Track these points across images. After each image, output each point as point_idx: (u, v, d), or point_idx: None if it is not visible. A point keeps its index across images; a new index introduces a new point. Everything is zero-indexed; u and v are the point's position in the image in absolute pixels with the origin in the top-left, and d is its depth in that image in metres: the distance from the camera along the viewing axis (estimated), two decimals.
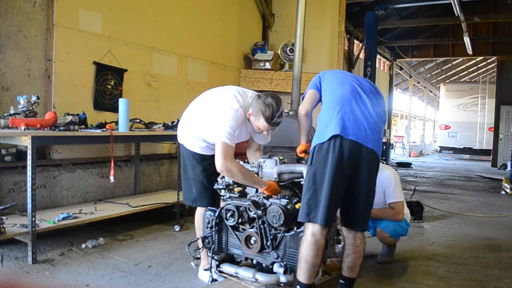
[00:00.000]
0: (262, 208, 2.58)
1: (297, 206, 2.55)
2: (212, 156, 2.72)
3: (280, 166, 2.72)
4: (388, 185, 3.36)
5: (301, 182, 2.65)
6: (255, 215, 2.60)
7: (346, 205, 2.38)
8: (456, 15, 10.01)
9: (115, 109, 4.29)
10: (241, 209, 2.67)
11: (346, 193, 2.33)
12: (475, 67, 20.83)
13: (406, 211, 3.62)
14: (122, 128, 3.89)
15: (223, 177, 2.83)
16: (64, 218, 3.53)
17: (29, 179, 3.19)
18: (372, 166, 2.37)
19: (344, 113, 2.32)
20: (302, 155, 2.84)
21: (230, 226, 2.72)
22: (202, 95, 2.97)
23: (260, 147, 3.08)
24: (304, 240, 2.30)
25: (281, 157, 2.81)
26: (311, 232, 2.28)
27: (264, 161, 2.77)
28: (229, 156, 2.56)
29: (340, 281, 2.51)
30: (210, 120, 2.72)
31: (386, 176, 3.37)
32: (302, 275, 2.30)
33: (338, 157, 2.24)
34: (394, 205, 3.35)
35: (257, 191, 2.84)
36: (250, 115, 2.69)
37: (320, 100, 2.58)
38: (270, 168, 2.74)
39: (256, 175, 2.76)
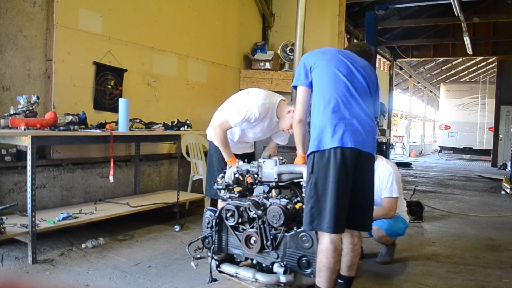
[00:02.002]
0: (262, 208, 2.58)
1: (297, 206, 2.55)
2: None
3: (280, 166, 2.72)
4: (384, 179, 3.29)
5: (301, 182, 2.65)
6: (255, 215, 2.60)
7: (352, 208, 2.36)
8: (456, 15, 10.00)
9: (115, 109, 4.29)
10: (241, 209, 2.67)
11: (352, 197, 2.34)
12: (475, 67, 20.82)
13: (404, 211, 3.60)
14: (122, 128, 3.89)
15: (222, 177, 2.85)
16: (64, 218, 3.53)
17: (29, 179, 3.19)
18: (370, 168, 2.43)
19: (340, 119, 2.30)
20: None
21: (230, 226, 2.72)
22: (232, 96, 3.32)
23: (276, 148, 3.43)
24: (323, 249, 2.28)
25: (280, 157, 2.81)
26: (330, 240, 2.26)
27: (264, 161, 2.77)
28: (223, 127, 3.10)
29: (339, 281, 2.50)
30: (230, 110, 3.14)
31: (384, 169, 3.32)
32: (324, 283, 2.29)
33: (340, 165, 2.24)
34: (386, 200, 3.27)
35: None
36: (291, 111, 2.98)
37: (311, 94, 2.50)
38: (270, 169, 2.74)
39: (256, 174, 2.77)
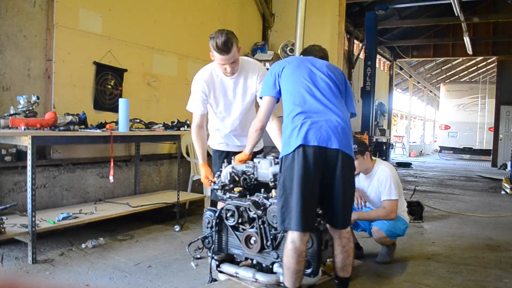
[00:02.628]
0: (262, 208, 2.58)
1: None
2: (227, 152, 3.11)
3: (275, 166, 2.69)
4: (382, 182, 3.31)
5: (270, 183, 2.66)
6: (255, 215, 2.60)
7: (325, 205, 2.40)
8: (456, 15, 10.02)
9: (115, 109, 4.29)
10: (241, 209, 2.67)
11: (323, 194, 2.34)
12: (475, 67, 20.84)
13: (405, 211, 3.60)
14: (122, 128, 3.89)
15: (219, 175, 2.82)
16: (64, 218, 3.53)
17: (29, 179, 3.19)
18: (343, 164, 2.33)
19: (306, 119, 2.32)
20: (237, 162, 2.78)
21: (230, 226, 2.72)
22: None
23: (275, 116, 2.98)
24: (284, 248, 2.31)
25: (275, 157, 2.75)
26: (290, 239, 2.28)
27: (259, 162, 2.75)
28: (193, 122, 2.98)
29: (336, 281, 2.53)
30: None
31: (382, 173, 3.35)
32: (286, 281, 2.33)
33: (303, 163, 2.25)
34: (386, 203, 3.29)
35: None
36: (211, 56, 2.81)
37: (277, 102, 2.59)
38: (265, 169, 2.72)
39: (252, 174, 2.74)
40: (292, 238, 2.27)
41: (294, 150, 2.27)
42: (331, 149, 2.29)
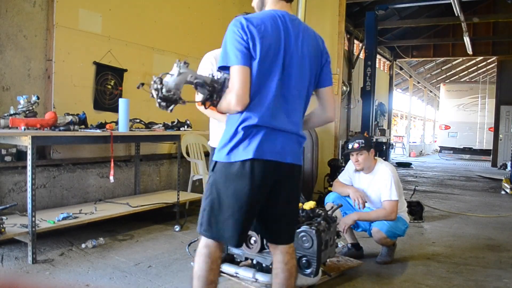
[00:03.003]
0: None
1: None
2: None
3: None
4: (383, 182, 3.32)
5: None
6: None
7: (267, 220, 2.03)
8: (456, 15, 10.01)
9: (115, 109, 4.29)
10: None
11: (265, 208, 1.98)
12: (475, 67, 20.83)
13: (405, 211, 3.60)
14: (122, 128, 3.89)
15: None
16: (64, 218, 3.53)
17: (29, 179, 3.19)
18: (291, 179, 2.00)
19: (262, 127, 1.88)
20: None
21: None
22: None
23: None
24: (197, 253, 1.95)
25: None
26: (204, 243, 1.94)
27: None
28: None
29: None
30: None
31: (383, 173, 3.36)
32: None
33: (250, 183, 1.86)
34: (387, 203, 3.29)
35: None
36: None
37: None
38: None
39: None
40: (207, 242, 1.94)
41: (239, 162, 1.87)
42: (285, 164, 1.93)
